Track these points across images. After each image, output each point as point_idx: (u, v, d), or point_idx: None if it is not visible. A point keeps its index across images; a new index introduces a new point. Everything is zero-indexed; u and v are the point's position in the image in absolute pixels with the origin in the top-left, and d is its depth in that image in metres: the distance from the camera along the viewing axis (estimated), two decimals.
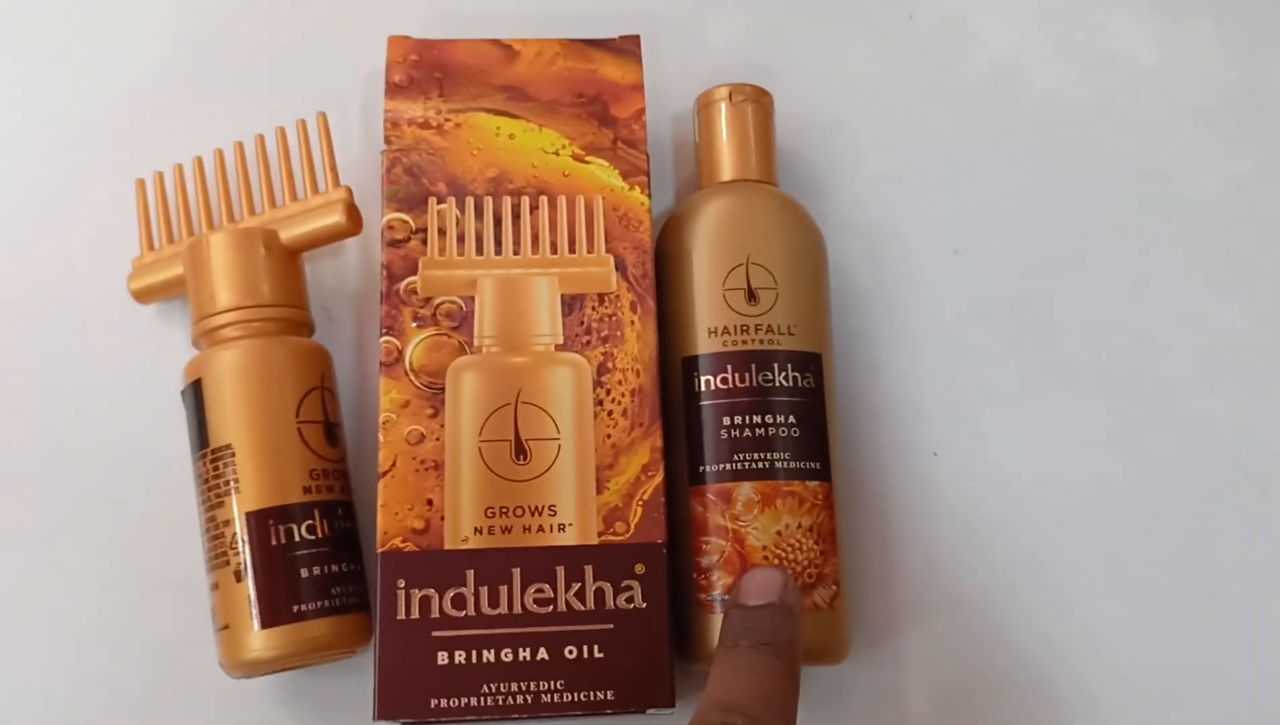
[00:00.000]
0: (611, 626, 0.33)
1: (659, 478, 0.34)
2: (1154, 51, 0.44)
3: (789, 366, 0.36)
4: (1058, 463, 0.40)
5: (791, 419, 0.35)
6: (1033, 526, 0.40)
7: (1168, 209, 0.43)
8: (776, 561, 0.35)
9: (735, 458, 0.35)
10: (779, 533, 0.35)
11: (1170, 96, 0.44)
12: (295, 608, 0.33)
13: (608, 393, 0.35)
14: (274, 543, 0.34)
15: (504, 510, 0.34)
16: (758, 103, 0.39)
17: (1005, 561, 0.39)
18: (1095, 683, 0.38)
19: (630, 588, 0.33)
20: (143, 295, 0.39)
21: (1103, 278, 0.42)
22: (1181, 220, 0.43)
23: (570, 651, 0.33)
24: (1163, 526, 0.40)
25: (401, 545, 0.33)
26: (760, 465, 0.35)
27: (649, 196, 0.37)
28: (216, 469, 0.34)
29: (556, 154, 0.37)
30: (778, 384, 0.36)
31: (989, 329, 0.41)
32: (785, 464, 0.35)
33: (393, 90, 0.37)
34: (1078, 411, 0.41)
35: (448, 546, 0.33)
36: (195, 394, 0.35)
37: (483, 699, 0.32)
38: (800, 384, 0.36)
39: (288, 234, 0.37)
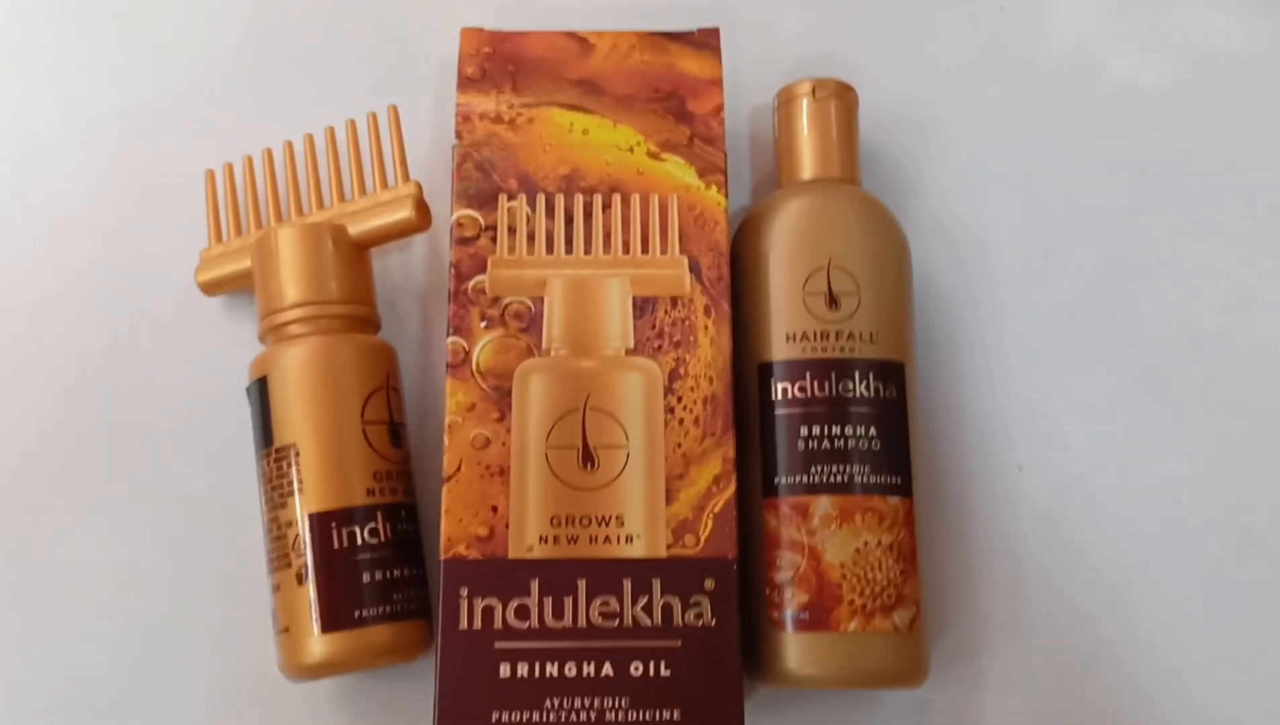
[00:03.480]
0: (679, 644, 0.32)
1: (731, 490, 0.33)
2: (1255, 48, 0.42)
3: (870, 375, 0.34)
4: (1150, 479, 0.38)
5: (872, 431, 0.34)
6: (1123, 546, 0.38)
7: (1271, 210, 0.41)
8: (855, 580, 0.33)
9: (812, 470, 0.34)
10: (858, 550, 0.33)
11: (1270, 91, 0.41)
12: (356, 613, 0.33)
13: (679, 400, 0.34)
14: (336, 546, 0.33)
15: (570, 519, 0.33)
16: (841, 98, 0.37)
17: (1093, 583, 0.37)
18: (1189, 712, 0.36)
19: (699, 604, 0.32)
20: (210, 287, 0.38)
21: (1199, 285, 0.40)
22: None
23: (636, 668, 0.32)
24: (1262, 548, 0.38)
25: (465, 553, 0.32)
26: (838, 478, 0.33)
27: (726, 196, 0.35)
28: (280, 469, 0.34)
29: (631, 151, 0.36)
30: (858, 394, 0.34)
31: (1079, 337, 0.39)
32: (864, 478, 0.34)
33: (464, 83, 0.36)
34: (1172, 425, 0.39)
35: (512, 555, 0.32)
36: (260, 391, 0.34)
37: (545, 714, 0.31)
38: (882, 394, 0.34)
39: (356, 229, 0.36)
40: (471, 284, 0.34)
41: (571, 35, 0.37)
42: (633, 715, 0.31)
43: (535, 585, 0.32)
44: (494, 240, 0.35)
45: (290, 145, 0.39)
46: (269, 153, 0.39)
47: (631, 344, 0.34)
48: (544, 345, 0.34)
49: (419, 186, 0.37)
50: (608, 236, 0.35)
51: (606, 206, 0.35)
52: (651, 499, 0.33)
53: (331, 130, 0.38)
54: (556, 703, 0.31)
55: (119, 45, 0.42)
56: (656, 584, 0.32)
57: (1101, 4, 0.42)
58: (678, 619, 0.32)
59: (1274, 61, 0.42)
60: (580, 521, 0.33)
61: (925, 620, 0.34)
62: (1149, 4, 0.42)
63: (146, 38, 0.42)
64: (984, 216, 0.40)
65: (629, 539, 0.33)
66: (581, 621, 0.32)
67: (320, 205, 0.38)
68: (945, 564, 0.37)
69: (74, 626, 0.37)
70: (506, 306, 0.34)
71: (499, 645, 0.32)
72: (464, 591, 0.32)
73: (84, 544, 0.37)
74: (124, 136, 0.41)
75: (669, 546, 0.33)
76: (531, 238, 0.35)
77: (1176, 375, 0.39)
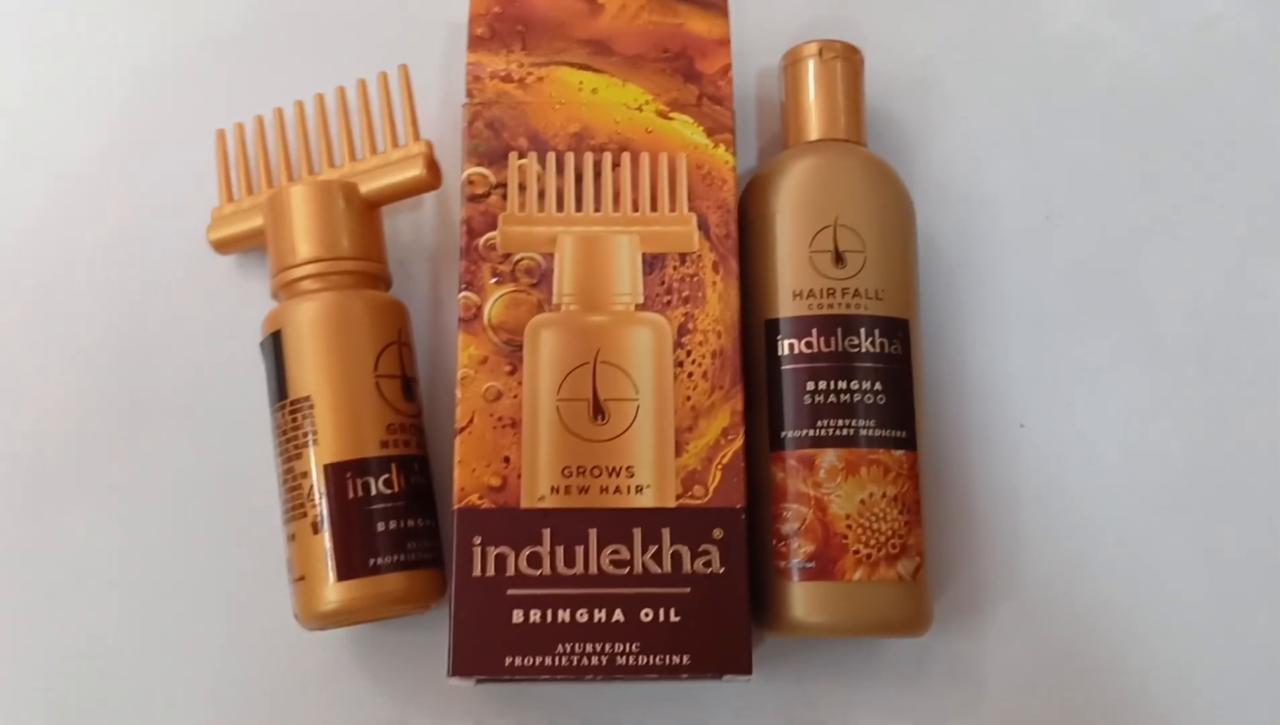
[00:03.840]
0: (688, 590, 0.33)
1: (739, 441, 0.34)
2: (1255, 15, 0.42)
3: (875, 332, 0.35)
4: (1149, 437, 0.39)
5: (877, 386, 0.34)
6: (1121, 502, 0.38)
7: (1270, 177, 0.41)
8: (860, 531, 0.34)
9: (818, 424, 0.34)
10: (862, 501, 0.34)
11: (1272, 60, 0.42)
12: (371, 561, 0.33)
13: (688, 354, 0.34)
14: (351, 496, 0.33)
15: (581, 470, 0.33)
16: (848, 60, 0.38)
17: (1092, 538, 0.38)
18: (1184, 665, 0.37)
19: (708, 552, 0.33)
20: (221, 246, 0.39)
21: (1200, 247, 0.40)
22: None
23: (646, 614, 0.32)
24: (1257, 505, 0.38)
25: (478, 502, 0.33)
26: (843, 432, 0.34)
27: (734, 155, 0.36)
28: (295, 421, 0.34)
29: (640, 110, 0.36)
30: (864, 349, 0.35)
31: (1080, 298, 0.40)
32: (869, 432, 0.34)
33: (475, 43, 0.37)
34: (1171, 384, 0.39)
35: (524, 505, 0.33)
36: (275, 345, 0.35)
37: (557, 659, 0.32)
38: (887, 350, 0.35)
39: (367, 187, 0.37)
40: (483, 240, 0.35)
41: None
42: (643, 660, 0.32)
43: (547, 534, 0.33)
44: (505, 197, 0.35)
45: (301, 105, 0.39)
46: (280, 112, 0.39)
47: (641, 299, 0.35)
48: (554, 300, 0.35)
49: (430, 145, 0.37)
50: (617, 194, 0.35)
51: (616, 165, 0.36)
52: (661, 450, 0.34)
53: (342, 90, 0.39)
54: (568, 648, 0.32)
55: (129, 6, 0.42)
56: (666, 533, 0.33)
57: None
58: (687, 567, 0.33)
59: (1274, 30, 0.42)
60: (591, 472, 0.33)
61: (928, 571, 0.35)
62: None
63: (157, 0, 0.42)
64: (987, 178, 0.41)
65: (639, 489, 0.33)
66: (593, 569, 0.33)
67: (331, 164, 0.38)
68: (948, 518, 0.38)
69: (90, 581, 0.37)
70: (517, 262, 0.35)
71: (511, 592, 0.32)
72: (477, 540, 0.33)
73: (98, 500, 0.38)
74: (135, 97, 0.41)
75: (678, 497, 0.33)
76: (542, 195, 0.35)
77: (1176, 337, 0.40)
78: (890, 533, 0.34)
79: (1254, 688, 0.37)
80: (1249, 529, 0.38)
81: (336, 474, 0.34)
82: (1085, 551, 0.38)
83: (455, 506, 0.33)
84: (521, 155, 0.35)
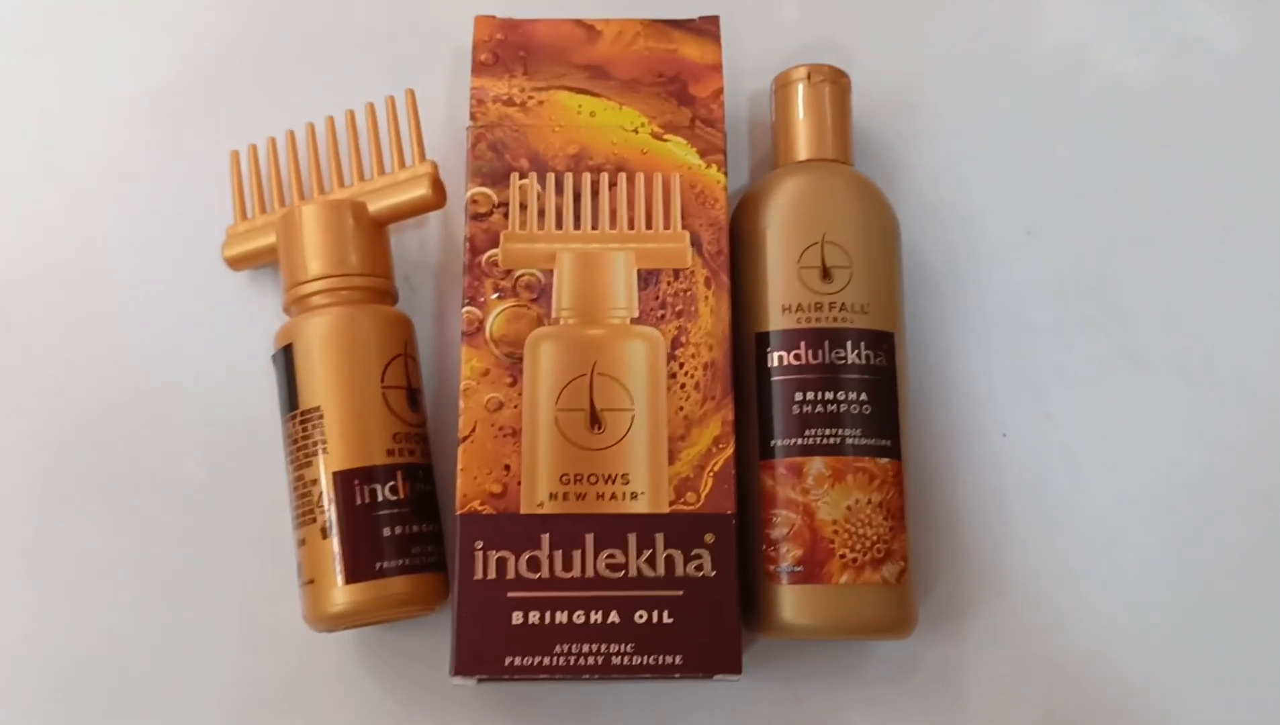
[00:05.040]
0: (681, 593, 0.34)
1: (730, 450, 0.35)
2: (1234, 34, 0.44)
3: (861, 344, 0.36)
4: (1129, 446, 0.40)
5: (863, 396, 0.36)
6: (1102, 510, 0.40)
7: (1246, 192, 0.42)
8: (846, 536, 0.35)
9: (806, 433, 0.36)
10: (849, 507, 0.35)
11: (1250, 79, 0.43)
12: (377, 565, 0.35)
13: (681, 366, 0.36)
14: (359, 502, 0.35)
15: (578, 477, 0.35)
16: (835, 83, 0.39)
17: (1073, 544, 0.39)
18: (1163, 668, 0.38)
19: (700, 556, 0.34)
20: (236, 262, 0.40)
21: (1178, 260, 0.42)
22: (1260, 204, 0.42)
23: (640, 616, 0.34)
24: (1234, 512, 0.40)
25: (480, 508, 0.34)
26: (831, 441, 0.35)
27: (725, 174, 0.37)
28: (305, 430, 0.36)
29: (636, 132, 0.38)
30: (850, 361, 0.36)
31: (1061, 311, 0.41)
32: (856, 440, 0.36)
33: (478, 68, 0.38)
34: (1150, 394, 0.41)
35: (524, 511, 0.34)
36: (286, 358, 0.36)
37: (555, 658, 0.33)
38: (872, 362, 0.36)
39: (375, 206, 0.38)
40: (485, 257, 0.36)
41: (579, 22, 0.39)
42: (637, 660, 0.33)
43: (546, 539, 0.34)
44: (506, 216, 0.37)
45: (312, 127, 0.40)
46: (292, 134, 0.41)
47: (636, 313, 0.36)
48: (553, 314, 0.36)
49: (435, 166, 0.39)
50: (614, 212, 0.37)
51: (613, 184, 0.37)
52: (655, 458, 0.35)
53: (351, 113, 0.40)
54: (566, 648, 0.33)
55: (148, 31, 0.43)
56: (660, 538, 0.34)
57: None
58: (680, 570, 0.34)
59: (1253, 49, 0.44)
60: (588, 479, 0.35)
61: (913, 575, 0.36)
62: None
63: (174, 25, 0.43)
64: (970, 195, 0.42)
65: (634, 496, 0.35)
66: (589, 573, 0.34)
67: (341, 184, 0.40)
68: (932, 524, 0.39)
69: (105, 585, 0.39)
70: (518, 278, 0.36)
71: (512, 595, 0.34)
72: (479, 544, 0.34)
73: (114, 507, 0.39)
74: (152, 120, 0.42)
75: (671, 503, 0.35)
76: (542, 214, 0.37)
77: (1154, 347, 0.41)
78: (875, 538, 0.35)
79: (1233, 693, 0.38)
80: (1228, 536, 0.39)
81: (345, 481, 0.35)
82: (1066, 558, 0.39)
83: (458, 512, 0.34)
84: (522, 175, 0.37)
